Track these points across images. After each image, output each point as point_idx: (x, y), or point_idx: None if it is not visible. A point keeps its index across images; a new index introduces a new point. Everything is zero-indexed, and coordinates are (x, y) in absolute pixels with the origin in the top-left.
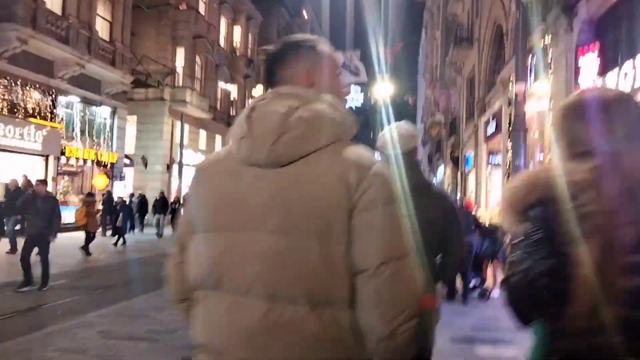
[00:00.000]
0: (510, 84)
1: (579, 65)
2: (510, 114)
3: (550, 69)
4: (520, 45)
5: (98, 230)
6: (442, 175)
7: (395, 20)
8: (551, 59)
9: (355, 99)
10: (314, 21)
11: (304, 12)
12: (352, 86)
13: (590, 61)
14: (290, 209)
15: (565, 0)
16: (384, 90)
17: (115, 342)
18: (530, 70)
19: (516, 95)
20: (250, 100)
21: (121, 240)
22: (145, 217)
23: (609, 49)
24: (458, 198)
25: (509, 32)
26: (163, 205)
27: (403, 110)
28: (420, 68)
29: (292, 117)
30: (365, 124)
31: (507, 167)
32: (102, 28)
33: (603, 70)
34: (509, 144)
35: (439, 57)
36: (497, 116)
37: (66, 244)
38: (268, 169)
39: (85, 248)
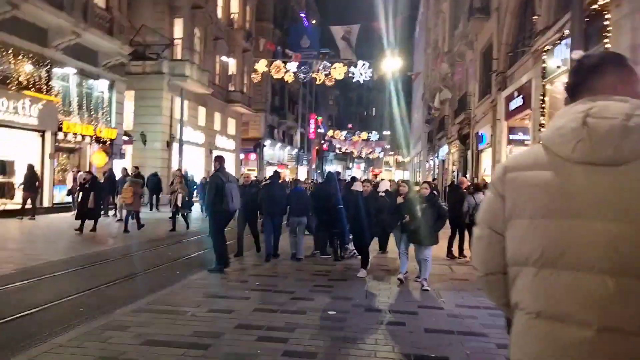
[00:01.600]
0: (545, 55)
1: None
2: (544, 87)
3: (607, 34)
4: (577, 7)
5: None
6: (444, 154)
7: None
8: (609, 23)
9: (363, 74)
10: None
11: None
12: (360, 62)
13: None
14: (633, 200)
15: None
16: (390, 65)
17: (161, 350)
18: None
19: (572, 62)
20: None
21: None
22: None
23: None
24: (468, 178)
25: None
26: (112, 184)
27: (405, 88)
28: (417, 43)
29: (631, 123)
30: (361, 100)
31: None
32: None
33: None
34: (542, 119)
35: (447, 30)
36: (524, 91)
37: (62, 227)
38: (604, 167)
39: (138, 224)
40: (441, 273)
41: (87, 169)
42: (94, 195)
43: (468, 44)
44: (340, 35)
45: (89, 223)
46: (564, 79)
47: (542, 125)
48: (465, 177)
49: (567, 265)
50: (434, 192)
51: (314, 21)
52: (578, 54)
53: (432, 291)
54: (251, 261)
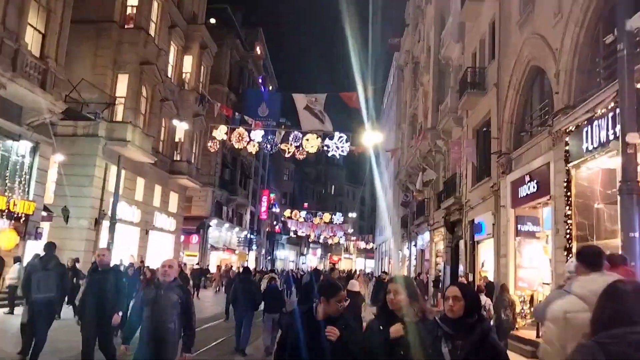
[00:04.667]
0: (568, 136)
1: None
2: (568, 172)
3: None
4: (627, 85)
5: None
6: (425, 242)
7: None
8: None
9: (341, 148)
10: (267, 58)
11: (257, 48)
12: (336, 134)
13: None
14: None
15: None
16: (369, 139)
17: None
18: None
19: (625, 146)
20: (211, 142)
21: None
22: None
23: None
24: (461, 272)
25: (560, 73)
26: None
27: (365, 166)
28: (386, 117)
29: None
30: (319, 177)
31: (567, 237)
32: (32, 40)
33: None
34: (568, 209)
35: (430, 105)
36: (538, 175)
37: None
38: None
39: None
40: None
41: None
42: None
43: (456, 120)
44: (304, 104)
45: None
46: (593, 164)
47: (567, 216)
48: (461, 276)
49: None
50: (477, 309)
51: (270, 87)
52: (634, 137)
53: None
54: None
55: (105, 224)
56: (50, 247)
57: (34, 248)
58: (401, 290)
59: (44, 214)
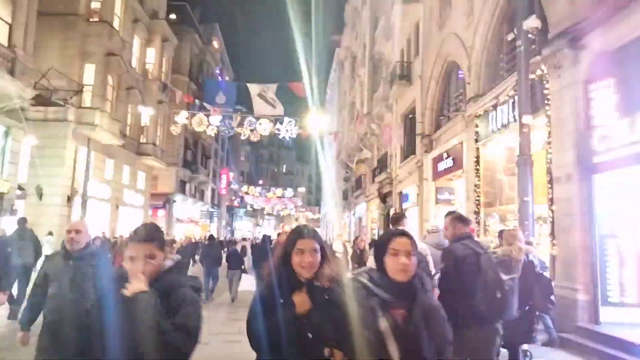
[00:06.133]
0: (477, 119)
1: (591, 98)
2: (477, 150)
3: (548, 101)
4: (524, 76)
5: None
6: (362, 211)
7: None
8: (548, 92)
9: (290, 131)
10: (224, 51)
11: (214, 42)
12: (286, 119)
13: (606, 95)
14: None
15: (573, 32)
16: (315, 123)
17: None
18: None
19: (522, 126)
20: (168, 127)
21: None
22: None
23: (626, 85)
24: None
25: (471, 67)
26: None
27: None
28: (329, 105)
29: None
30: (272, 157)
31: (476, 203)
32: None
33: (621, 107)
34: (477, 180)
35: (366, 94)
36: (453, 153)
37: None
38: None
39: None
40: None
41: None
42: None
43: (388, 107)
44: (257, 92)
45: None
46: (497, 142)
47: (477, 186)
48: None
49: None
50: None
51: (227, 78)
52: (528, 118)
53: None
54: None
55: (78, 200)
56: (22, 221)
57: (9, 224)
58: (317, 246)
59: (18, 192)
